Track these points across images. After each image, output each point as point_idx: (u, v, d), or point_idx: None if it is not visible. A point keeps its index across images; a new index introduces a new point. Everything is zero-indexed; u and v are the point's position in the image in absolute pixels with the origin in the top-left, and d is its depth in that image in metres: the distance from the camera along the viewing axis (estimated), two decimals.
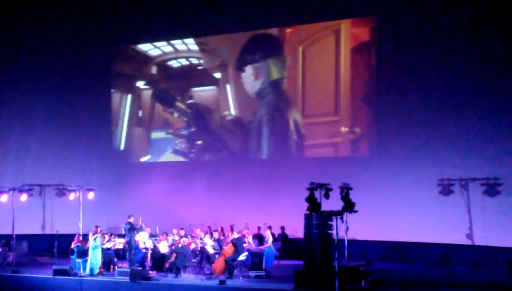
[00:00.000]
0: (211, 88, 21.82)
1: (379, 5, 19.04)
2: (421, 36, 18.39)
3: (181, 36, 22.11)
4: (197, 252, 16.95)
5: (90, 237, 16.42)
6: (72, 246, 16.85)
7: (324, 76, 20.03)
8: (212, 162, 21.62)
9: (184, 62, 22.29)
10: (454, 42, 17.94)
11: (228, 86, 21.46)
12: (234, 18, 21.23)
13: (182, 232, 17.50)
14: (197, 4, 21.67)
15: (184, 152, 22.07)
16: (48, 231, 21.68)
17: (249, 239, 17.09)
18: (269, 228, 17.86)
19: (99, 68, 22.95)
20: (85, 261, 16.22)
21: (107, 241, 17.03)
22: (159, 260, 16.62)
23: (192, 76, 22.10)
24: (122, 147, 22.95)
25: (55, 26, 22.85)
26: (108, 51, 23.05)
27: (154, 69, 22.65)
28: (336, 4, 19.76)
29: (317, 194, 13.49)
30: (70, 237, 17.94)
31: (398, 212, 18.19)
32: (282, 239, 19.22)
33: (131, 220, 16.33)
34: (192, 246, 16.49)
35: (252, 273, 15.74)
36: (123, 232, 16.86)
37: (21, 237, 20.16)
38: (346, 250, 17.01)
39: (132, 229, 16.20)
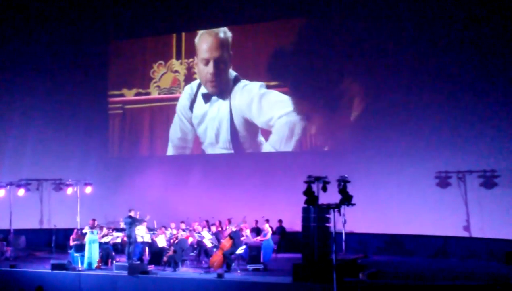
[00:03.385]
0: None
1: None
2: (418, 28, 18.39)
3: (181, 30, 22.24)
4: (195, 246, 16.96)
5: (87, 230, 16.44)
6: (71, 242, 16.84)
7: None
8: (210, 156, 21.61)
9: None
10: (451, 34, 17.93)
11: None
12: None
13: (183, 225, 17.50)
14: None
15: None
16: (45, 226, 21.70)
17: (247, 232, 17.14)
18: (267, 221, 17.88)
19: (97, 64, 22.94)
20: (83, 255, 16.24)
21: (105, 235, 17.02)
22: (157, 254, 16.63)
23: None
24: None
25: (54, 21, 22.82)
26: (105, 47, 23.10)
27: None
28: None
29: (314, 187, 13.49)
30: (68, 232, 17.98)
31: (396, 204, 18.23)
32: (279, 232, 19.24)
33: (132, 213, 16.32)
34: (190, 240, 16.51)
35: (250, 267, 15.77)
36: (122, 226, 16.87)
37: (19, 232, 20.14)
38: (343, 243, 17.09)
39: (134, 223, 16.18)
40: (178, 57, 22.24)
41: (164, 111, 22.36)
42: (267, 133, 20.68)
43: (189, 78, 22.01)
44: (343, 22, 19.62)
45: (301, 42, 20.29)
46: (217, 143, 21.39)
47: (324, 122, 20.00)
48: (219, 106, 21.35)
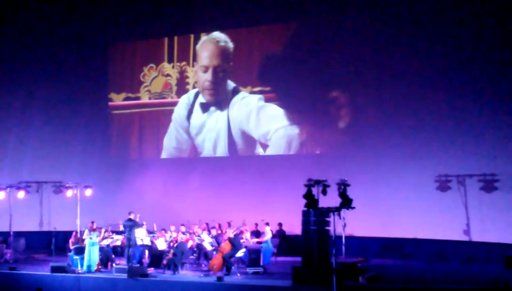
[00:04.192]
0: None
1: None
2: (418, 30, 18.42)
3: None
4: (195, 249, 16.96)
5: (86, 234, 16.43)
6: (71, 246, 16.82)
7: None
8: (210, 159, 21.61)
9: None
10: (450, 36, 17.94)
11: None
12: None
13: (183, 228, 17.50)
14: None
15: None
16: (45, 228, 21.72)
17: (247, 235, 17.12)
18: (267, 224, 17.86)
19: (97, 66, 23.01)
20: (83, 258, 16.23)
21: (104, 237, 17.02)
22: (157, 257, 16.62)
23: None
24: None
25: (54, 24, 22.89)
26: (106, 49, 23.19)
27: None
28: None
29: (314, 190, 13.48)
30: (67, 234, 17.97)
31: (396, 208, 18.22)
32: (279, 235, 19.23)
33: (132, 216, 16.32)
34: (190, 242, 16.50)
35: (249, 270, 15.74)
36: (121, 229, 16.85)
37: (18, 234, 20.10)
38: (343, 246, 17.06)
39: (134, 225, 16.17)
40: (170, 60, 22.22)
41: (158, 115, 22.29)
42: (265, 147, 20.65)
43: (181, 82, 21.98)
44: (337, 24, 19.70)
45: (291, 48, 20.28)
46: (215, 154, 21.34)
47: (321, 127, 20.00)
48: (217, 117, 21.29)
